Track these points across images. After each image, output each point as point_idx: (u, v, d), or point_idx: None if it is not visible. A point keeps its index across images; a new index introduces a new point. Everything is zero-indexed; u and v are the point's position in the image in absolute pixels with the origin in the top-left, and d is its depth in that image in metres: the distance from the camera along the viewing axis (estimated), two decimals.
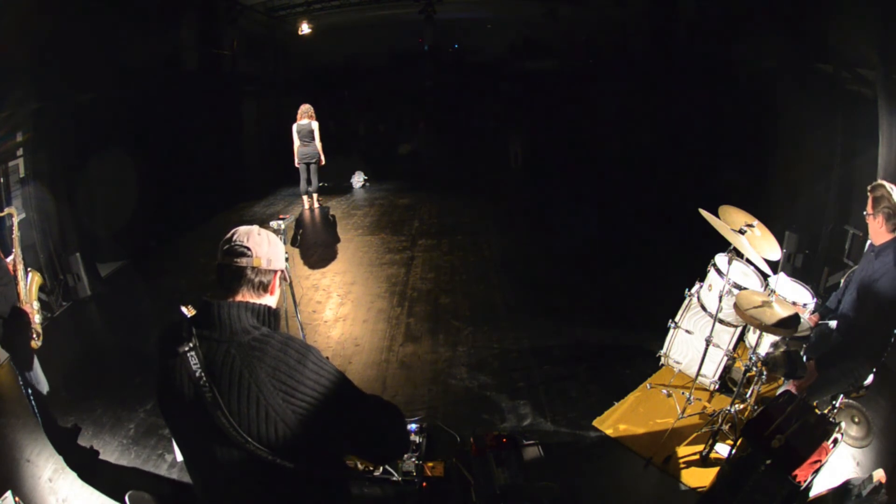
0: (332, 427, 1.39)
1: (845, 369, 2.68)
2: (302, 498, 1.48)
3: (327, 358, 1.50)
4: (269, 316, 1.46)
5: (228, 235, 1.48)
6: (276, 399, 1.31)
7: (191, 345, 1.34)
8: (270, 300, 1.51)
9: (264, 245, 1.47)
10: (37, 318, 3.11)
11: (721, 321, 3.29)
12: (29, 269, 3.18)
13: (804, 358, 2.90)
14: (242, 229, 1.49)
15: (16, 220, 3.20)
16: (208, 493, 1.52)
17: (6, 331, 2.85)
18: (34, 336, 3.06)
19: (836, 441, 2.33)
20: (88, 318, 4.89)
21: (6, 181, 4.53)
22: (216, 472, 1.40)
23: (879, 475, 2.39)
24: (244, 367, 1.32)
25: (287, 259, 3.56)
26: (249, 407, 1.31)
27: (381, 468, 2.67)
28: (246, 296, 1.45)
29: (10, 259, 3.07)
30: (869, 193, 2.65)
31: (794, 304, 3.07)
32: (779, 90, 5.66)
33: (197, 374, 1.32)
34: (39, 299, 3.23)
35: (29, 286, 3.12)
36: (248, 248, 1.44)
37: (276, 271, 1.51)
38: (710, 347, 3.26)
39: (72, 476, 2.49)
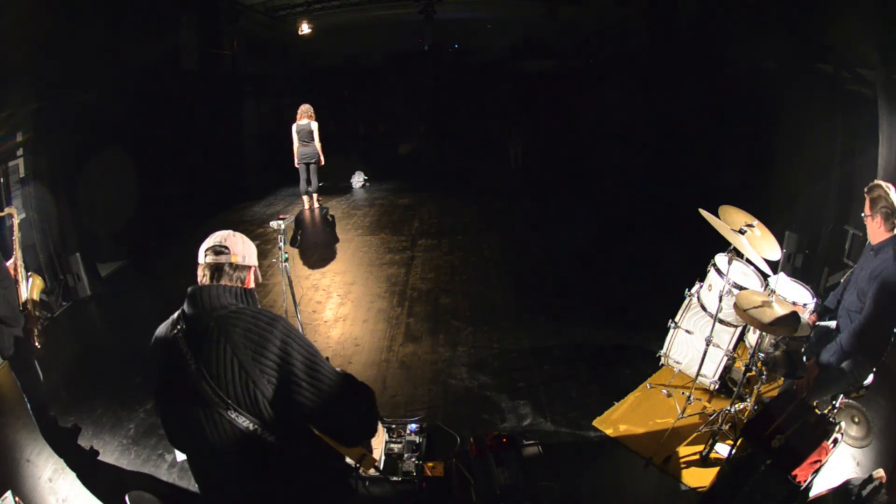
0: (295, 391, 1.47)
1: (845, 368, 2.68)
2: (293, 478, 1.53)
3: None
4: (246, 296, 1.62)
5: (207, 240, 1.67)
6: (247, 358, 1.43)
7: (179, 327, 1.50)
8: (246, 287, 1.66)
9: (239, 244, 1.67)
10: (38, 326, 3.10)
11: (721, 321, 3.29)
12: (30, 273, 3.16)
13: (804, 358, 2.90)
14: (219, 233, 1.69)
15: (16, 221, 3.17)
16: (205, 478, 1.59)
17: (6, 333, 2.84)
18: (35, 341, 3.05)
19: (836, 441, 2.33)
20: (88, 318, 4.90)
21: (6, 181, 4.53)
22: (209, 454, 1.47)
23: (879, 475, 2.39)
24: (221, 333, 1.46)
25: (287, 259, 3.58)
26: (226, 369, 1.43)
27: (380, 468, 2.67)
28: (225, 283, 1.60)
29: (10, 262, 3.05)
30: (866, 195, 2.65)
31: (794, 304, 3.07)
32: (779, 90, 5.66)
33: (184, 351, 1.45)
34: (40, 300, 3.22)
35: (30, 291, 3.10)
36: (226, 248, 1.63)
37: (250, 267, 1.69)
38: (710, 347, 3.26)
39: (72, 476, 2.49)
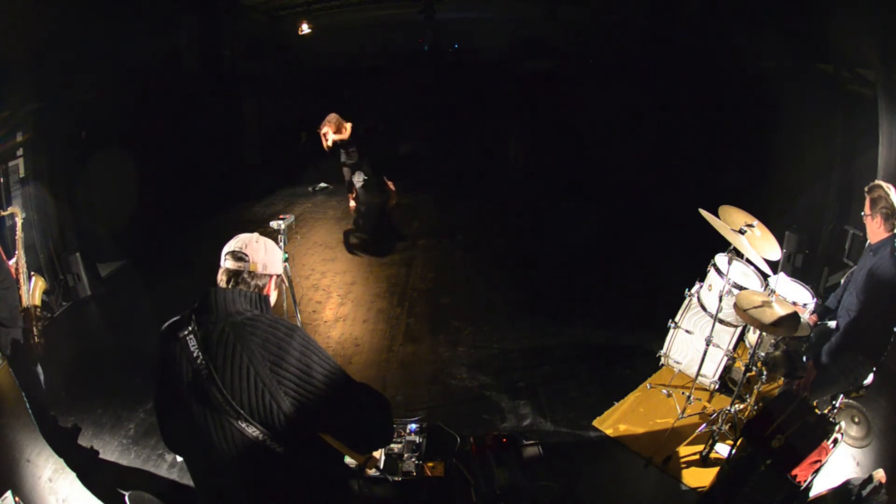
0: (315, 403, 1.45)
1: (844, 366, 2.68)
2: (297, 488, 1.51)
3: None
4: (261, 301, 1.58)
5: (230, 241, 1.62)
6: (265, 369, 1.41)
7: (189, 328, 1.45)
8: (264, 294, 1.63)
9: (261, 252, 1.62)
10: (38, 326, 3.10)
11: (721, 321, 3.29)
12: (32, 273, 3.15)
13: (804, 358, 2.90)
14: (243, 236, 1.64)
15: (19, 221, 3.17)
16: (206, 484, 1.56)
17: (6, 334, 2.84)
18: (34, 340, 3.05)
19: (836, 441, 2.33)
20: (88, 318, 4.89)
21: (6, 181, 4.53)
22: (213, 461, 1.44)
23: (879, 475, 2.39)
24: (237, 340, 1.42)
25: (287, 259, 3.58)
26: (241, 378, 1.40)
27: (380, 469, 2.67)
28: (241, 288, 1.58)
29: (12, 262, 3.04)
30: (866, 195, 2.67)
31: (794, 304, 3.07)
32: (779, 90, 5.66)
33: (195, 355, 1.42)
34: (42, 301, 3.22)
35: (32, 290, 3.10)
36: (246, 255, 1.59)
37: (271, 276, 1.65)
38: (710, 347, 3.26)
39: (72, 476, 2.49)
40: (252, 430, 1.39)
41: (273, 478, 1.46)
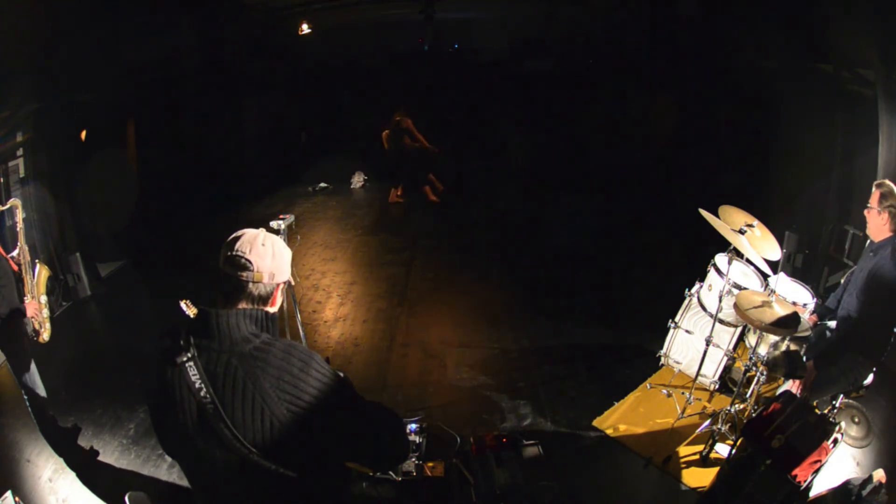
0: (334, 436, 1.39)
1: (844, 366, 2.68)
2: (304, 501, 1.48)
3: (327, 359, 1.50)
4: (268, 321, 1.43)
5: (232, 239, 1.43)
6: (281, 409, 1.30)
7: (189, 355, 1.32)
8: (269, 310, 1.47)
9: (267, 258, 1.41)
10: (45, 313, 3.11)
11: (721, 321, 3.29)
12: (37, 260, 3.15)
13: (804, 358, 2.90)
14: (247, 236, 1.42)
15: (19, 213, 3.15)
16: (206, 496, 1.52)
17: (3, 333, 2.83)
18: (41, 329, 3.06)
19: (836, 441, 2.33)
20: (88, 318, 4.90)
21: (6, 181, 4.53)
22: (217, 480, 1.40)
23: (879, 475, 2.40)
24: (247, 377, 1.30)
25: None
26: (254, 418, 1.30)
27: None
28: (244, 306, 1.42)
29: (15, 254, 3.04)
30: (875, 189, 2.63)
31: (794, 304, 3.07)
32: (779, 90, 5.66)
33: (197, 386, 1.30)
34: (47, 293, 3.21)
35: (37, 279, 3.10)
36: (250, 262, 1.39)
37: (278, 284, 1.46)
38: (710, 347, 3.27)
39: (72, 476, 2.49)
40: (264, 463, 1.32)
41: (279, 496, 1.41)
